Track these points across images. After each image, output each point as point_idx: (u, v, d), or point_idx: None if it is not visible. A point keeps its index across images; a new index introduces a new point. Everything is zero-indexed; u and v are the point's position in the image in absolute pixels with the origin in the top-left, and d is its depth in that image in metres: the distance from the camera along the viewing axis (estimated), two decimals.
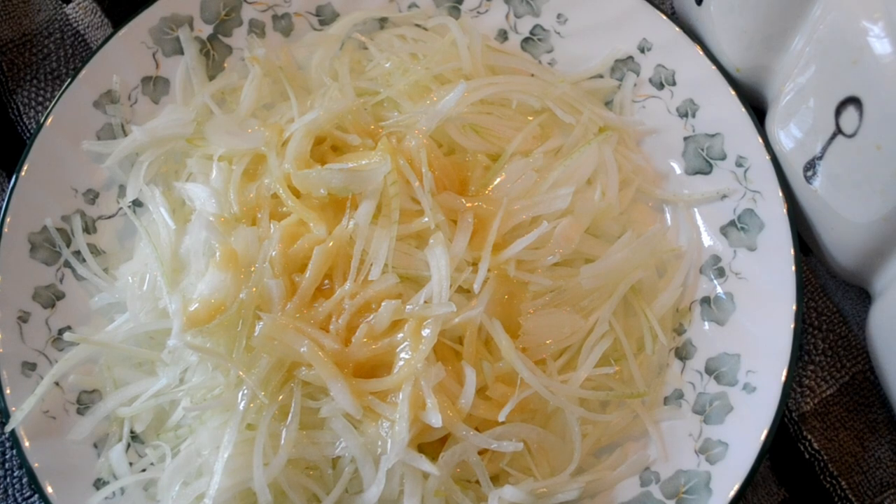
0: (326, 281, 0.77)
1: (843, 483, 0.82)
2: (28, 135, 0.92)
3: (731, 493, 0.73)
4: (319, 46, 0.89)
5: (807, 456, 0.83)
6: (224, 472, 0.71)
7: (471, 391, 0.73)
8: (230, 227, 0.78)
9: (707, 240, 0.84)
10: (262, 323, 0.73)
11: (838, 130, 0.72)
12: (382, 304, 0.74)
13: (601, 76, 0.89)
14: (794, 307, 0.77)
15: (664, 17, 0.87)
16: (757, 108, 0.84)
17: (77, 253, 0.84)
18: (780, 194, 0.80)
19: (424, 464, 0.71)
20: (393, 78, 0.86)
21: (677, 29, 0.86)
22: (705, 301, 0.82)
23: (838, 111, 0.72)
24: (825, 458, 0.82)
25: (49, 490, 0.75)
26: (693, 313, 0.82)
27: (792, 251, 0.79)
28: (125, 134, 0.87)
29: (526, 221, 0.80)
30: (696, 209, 0.85)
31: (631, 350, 0.80)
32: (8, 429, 0.77)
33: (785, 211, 0.80)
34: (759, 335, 0.78)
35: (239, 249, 0.77)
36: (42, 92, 0.93)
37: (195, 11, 0.89)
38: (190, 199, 0.82)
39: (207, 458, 0.74)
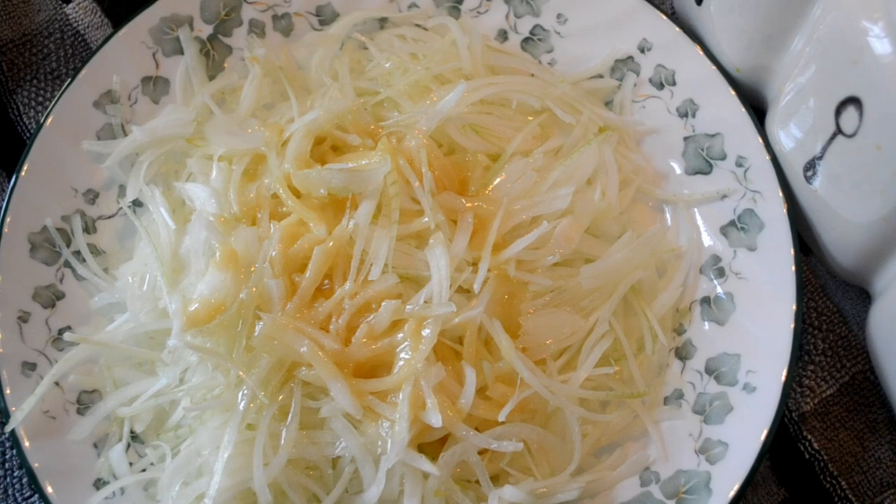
0: (326, 281, 0.77)
1: (842, 483, 0.82)
2: (28, 135, 0.92)
3: (731, 493, 0.73)
4: (319, 46, 0.89)
5: (807, 456, 0.83)
6: (224, 472, 0.71)
7: (471, 391, 0.73)
8: (230, 227, 0.78)
9: (707, 240, 0.84)
10: (262, 323, 0.73)
11: (838, 130, 0.72)
12: (382, 304, 0.74)
13: (601, 76, 0.89)
14: (794, 307, 0.77)
15: (664, 17, 0.87)
16: (757, 108, 0.84)
17: (77, 253, 0.84)
18: (780, 194, 0.80)
19: (424, 464, 0.71)
20: (393, 78, 0.86)
21: (677, 29, 0.86)
22: (705, 301, 0.82)
23: (838, 111, 0.72)
24: (825, 458, 0.82)
25: (49, 490, 0.75)
26: (693, 313, 0.82)
27: (792, 251, 0.79)
28: (125, 134, 0.87)
29: (526, 221, 0.80)
30: (696, 209, 0.85)
31: (631, 350, 0.80)
32: (8, 429, 0.77)
33: (785, 211, 0.80)
34: (759, 335, 0.78)
35: (239, 249, 0.77)
36: (42, 92, 0.93)
37: (195, 11, 0.89)
38: (190, 199, 0.82)
39: (207, 458, 0.74)
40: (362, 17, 0.90)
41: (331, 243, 0.76)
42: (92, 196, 0.86)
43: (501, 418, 0.73)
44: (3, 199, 0.83)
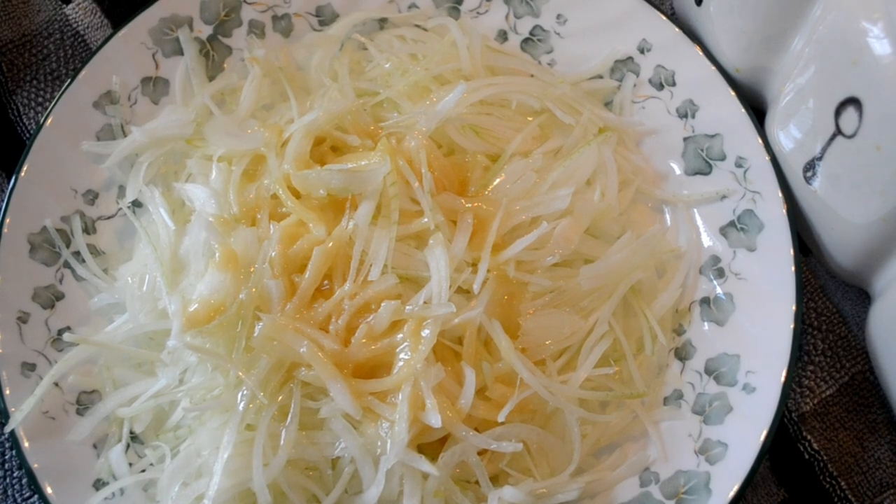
0: (326, 281, 0.77)
1: (842, 483, 0.82)
2: (28, 135, 0.92)
3: (731, 494, 0.73)
4: (319, 47, 0.89)
5: (806, 456, 0.83)
6: (223, 473, 0.71)
7: (470, 392, 0.73)
8: (230, 227, 0.78)
9: (707, 240, 0.84)
10: (261, 323, 0.73)
11: (838, 131, 0.72)
12: (382, 304, 0.74)
13: (601, 77, 0.89)
14: (793, 308, 0.77)
15: (664, 18, 0.87)
16: (757, 109, 0.84)
17: (77, 253, 0.84)
18: (780, 195, 0.80)
19: (424, 464, 0.71)
20: (392, 78, 0.86)
21: (677, 29, 0.86)
22: (705, 301, 0.82)
23: (838, 112, 0.72)
24: (825, 458, 0.82)
25: (49, 491, 0.75)
26: (693, 314, 0.82)
27: (791, 252, 0.79)
28: (125, 134, 0.87)
29: (525, 222, 0.80)
30: (695, 210, 0.85)
31: (630, 350, 0.80)
32: (7, 429, 0.77)
33: (784, 211, 0.80)
34: (758, 336, 0.78)
35: (238, 250, 0.77)
36: (42, 92, 0.93)
37: (195, 12, 0.89)
38: (189, 199, 0.82)
39: (207, 459, 0.74)
40: (362, 18, 0.90)
41: (330, 244, 0.76)
42: (91, 197, 0.86)
43: (501, 419, 0.73)
44: (3, 200, 0.83)
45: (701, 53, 0.85)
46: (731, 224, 0.83)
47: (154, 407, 0.78)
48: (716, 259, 0.83)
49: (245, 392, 0.73)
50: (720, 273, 0.82)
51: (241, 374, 0.72)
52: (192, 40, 0.89)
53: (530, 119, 0.87)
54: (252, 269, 0.76)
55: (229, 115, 0.86)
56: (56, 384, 0.80)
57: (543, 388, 0.74)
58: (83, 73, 0.85)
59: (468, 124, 0.84)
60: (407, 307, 0.74)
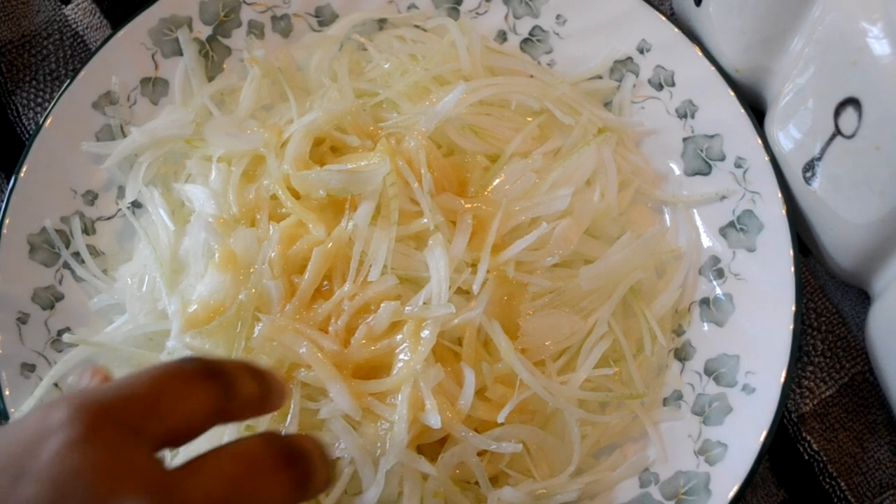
0: (325, 282, 0.77)
1: (842, 484, 0.82)
2: (27, 136, 0.92)
3: (731, 494, 0.73)
4: (318, 47, 0.89)
5: (806, 457, 0.83)
6: None
7: (470, 392, 0.73)
8: (229, 228, 0.78)
9: (706, 241, 0.84)
10: (261, 324, 0.73)
11: (837, 131, 0.72)
12: (381, 305, 0.74)
13: (600, 77, 0.89)
14: (793, 308, 0.77)
15: (663, 18, 0.86)
16: (756, 109, 0.84)
17: (76, 254, 0.84)
18: (780, 195, 0.80)
19: (424, 465, 0.71)
20: (392, 79, 0.86)
21: (676, 30, 0.86)
22: (704, 302, 0.82)
23: (837, 112, 0.71)
24: (824, 459, 0.82)
25: None
26: (692, 314, 0.82)
27: (791, 252, 0.79)
28: (124, 135, 0.87)
29: (525, 222, 0.80)
30: (695, 210, 0.85)
31: (630, 351, 0.79)
32: None
33: (784, 212, 0.80)
34: (758, 336, 0.78)
35: (238, 251, 0.77)
36: (41, 93, 0.93)
37: (194, 13, 0.89)
38: (189, 200, 0.82)
39: None
40: (361, 18, 0.90)
41: (330, 244, 0.76)
42: (91, 197, 0.86)
43: (501, 419, 0.73)
44: (3, 201, 0.83)
45: (700, 54, 0.85)
46: (731, 224, 0.83)
47: None
48: (715, 259, 0.83)
49: None
50: (720, 273, 0.82)
51: None
52: (192, 41, 0.89)
53: (530, 119, 0.86)
54: (252, 270, 0.76)
55: (229, 116, 0.86)
56: (56, 385, 0.80)
57: (543, 388, 0.74)
58: (82, 73, 0.85)
59: (468, 125, 0.84)
60: (406, 308, 0.74)
